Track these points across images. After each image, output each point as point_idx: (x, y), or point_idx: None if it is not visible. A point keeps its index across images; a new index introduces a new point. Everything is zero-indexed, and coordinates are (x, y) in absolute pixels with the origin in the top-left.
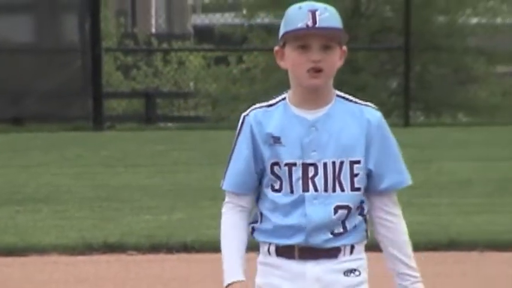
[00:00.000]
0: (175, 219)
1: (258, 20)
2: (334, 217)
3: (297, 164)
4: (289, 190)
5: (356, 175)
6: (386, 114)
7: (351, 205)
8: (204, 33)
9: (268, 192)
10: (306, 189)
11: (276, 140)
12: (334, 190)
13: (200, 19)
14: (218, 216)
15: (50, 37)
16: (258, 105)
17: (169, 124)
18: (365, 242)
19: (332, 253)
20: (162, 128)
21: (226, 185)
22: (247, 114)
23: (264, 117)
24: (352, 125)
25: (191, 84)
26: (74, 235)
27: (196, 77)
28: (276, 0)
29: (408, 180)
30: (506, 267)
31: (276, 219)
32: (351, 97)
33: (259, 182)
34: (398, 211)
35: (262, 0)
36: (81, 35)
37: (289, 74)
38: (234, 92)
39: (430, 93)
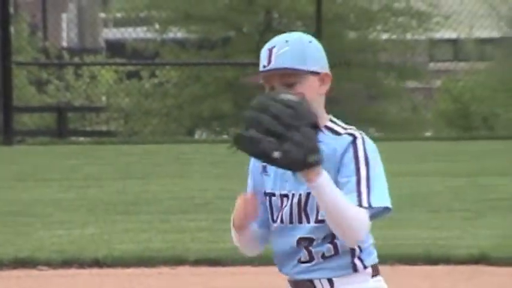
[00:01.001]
0: (87, 234)
1: (171, 35)
2: (296, 247)
3: (276, 194)
4: (271, 219)
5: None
6: None
7: (313, 237)
8: (116, 48)
9: None
10: (275, 220)
11: (264, 169)
12: (299, 222)
13: (112, 33)
14: (130, 231)
15: None
16: None
17: (82, 138)
18: (353, 274)
19: (308, 286)
20: (74, 142)
21: None
22: None
23: None
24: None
25: (103, 98)
26: None
27: (108, 92)
28: (188, 15)
29: (364, 203)
30: (417, 280)
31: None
32: (336, 127)
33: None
34: None
35: (174, 15)
36: None
37: None
38: (146, 107)
39: (341, 108)
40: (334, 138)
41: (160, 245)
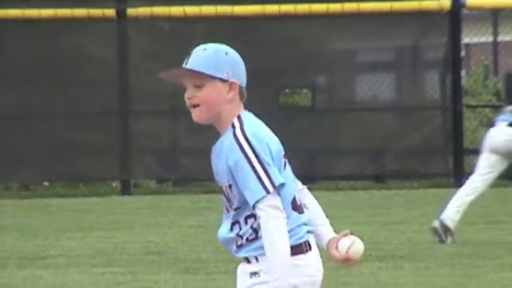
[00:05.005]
0: None
1: None
2: (231, 233)
3: (217, 183)
4: None
5: (234, 198)
6: None
7: (240, 220)
8: None
9: None
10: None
11: None
12: (229, 210)
13: None
14: None
15: (411, 94)
16: None
17: None
18: None
19: (245, 260)
20: None
21: None
22: None
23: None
24: (224, 154)
25: None
26: None
27: None
28: None
29: (257, 195)
30: None
31: None
32: (236, 123)
33: None
34: (263, 217)
35: None
36: (442, 91)
37: None
38: None
39: None
40: (230, 133)
41: None
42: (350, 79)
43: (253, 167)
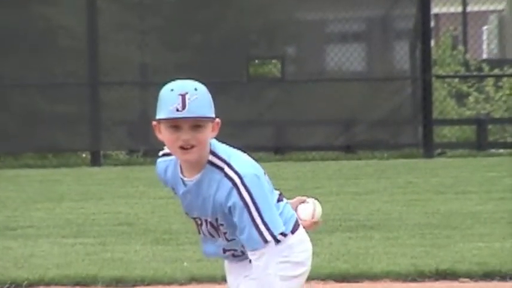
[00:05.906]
0: (508, 246)
1: None
2: (225, 254)
3: (189, 215)
4: (197, 231)
5: (225, 233)
6: None
7: (236, 248)
8: None
9: None
10: (199, 232)
11: (173, 191)
12: (215, 236)
13: None
14: None
15: (381, 65)
16: (161, 153)
17: (501, 150)
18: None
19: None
20: (493, 155)
21: None
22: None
23: (165, 165)
24: (216, 193)
25: None
26: (406, 262)
27: None
28: None
29: (254, 246)
30: None
31: None
32: (219, 162)
33: None
34: (256, 268)
35: None
36: (411, 62)
37: None
38: None
39: None
40: (218, 173)
41: None
42: (320, 50)
43: (252, 219)
